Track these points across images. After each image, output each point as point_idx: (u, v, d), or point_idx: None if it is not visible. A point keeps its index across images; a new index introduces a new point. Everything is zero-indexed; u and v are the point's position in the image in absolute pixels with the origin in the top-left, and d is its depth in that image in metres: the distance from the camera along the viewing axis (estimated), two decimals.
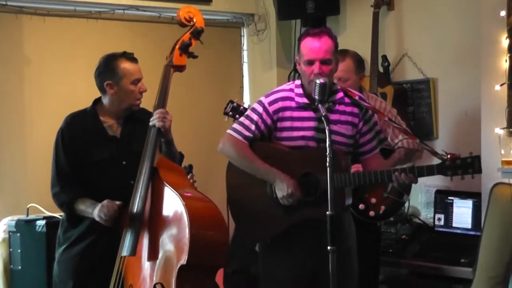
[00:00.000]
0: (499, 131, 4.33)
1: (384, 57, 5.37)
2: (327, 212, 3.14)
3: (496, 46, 4.37)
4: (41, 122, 5.04)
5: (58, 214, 4.40)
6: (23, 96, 5.08)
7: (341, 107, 3.64)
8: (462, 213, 4.82)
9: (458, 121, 5.09)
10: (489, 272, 4.13)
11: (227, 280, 4.98)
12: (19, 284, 4.71)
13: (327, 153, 3.17)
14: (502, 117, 4.33)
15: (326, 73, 3.51)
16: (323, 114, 3.31)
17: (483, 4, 4.49)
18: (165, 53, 3.85)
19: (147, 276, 3.49)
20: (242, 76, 6.16)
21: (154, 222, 3.50)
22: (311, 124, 3.60)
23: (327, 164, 3.17)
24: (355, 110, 3.66)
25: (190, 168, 4.53)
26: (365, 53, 5.25)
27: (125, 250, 3.49)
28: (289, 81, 5.23)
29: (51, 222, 4.52)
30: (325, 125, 3.24)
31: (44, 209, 4.70)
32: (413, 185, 3.87)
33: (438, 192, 4.96)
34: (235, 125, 3.71)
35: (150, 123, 3.62)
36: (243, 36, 6.15)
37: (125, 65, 3.68)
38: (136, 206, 3.51)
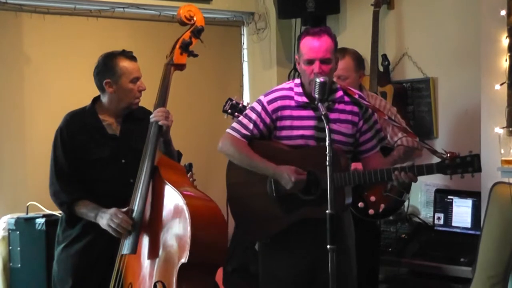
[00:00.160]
0: (499, 131, 4.33)
1: (384, 56, 5.37)
2: (327, 211, 3.14)
3: (496, 45, 4.37)
4: (40, 120, 5.04)
5: (58, 212, 4.39)
6: (23, 94, 5.08)
7: (341, 106, 3.64)
8: (461, 212, 4.82)
9: (458, 120, 5.09)
10: (488, 272, 4.13)
11: (227, 279, 4.98)
12: (18, 282, 4.71)
13: (327, 152, 3.17)
14: (502, 116, 4.33)
15: (326, 72, 3.51)
16: (323, 113, 3.30)
17: (483, 3, 4.49)
18: (165, 51, 3.84)
19: (146, 275, 3.49)
20: (242, 75, 6.16)
21: (155, 221, 3.50)
22: (311, 123, 3.60)
23: (327, 163, 3.17)
24: (355, 108, 3.66)
25: (189, 166, 4.53)
26: (365, 52, 5.25)
27: (125, 248, 3.49)
28: (289, 80, 5.23)
29: (51, 220, 4.52)
30: (325, 124, 3.24)
31: (43, 207, 4.70)
32: (412, 184, 3.87)
33: (437, 191, 4.97)
34: (234, 124, 3.71)
35: (151, 120, 3.61)
36: (243, 34, 6.15)
37: (124, 63, 3.68)
38: (136, 204, 3.51)
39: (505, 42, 4.34)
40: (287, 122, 3.63)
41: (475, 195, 4.68)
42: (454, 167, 3.35)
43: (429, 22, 5.26)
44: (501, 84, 4.33)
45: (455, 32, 5.09)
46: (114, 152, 3.70)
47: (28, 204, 4.77)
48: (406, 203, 5.03)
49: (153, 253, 3.48)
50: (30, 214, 4.73)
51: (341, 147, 3.58)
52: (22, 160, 5.07)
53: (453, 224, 4.84)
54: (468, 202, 4.79)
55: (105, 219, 3.50)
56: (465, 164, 3.33)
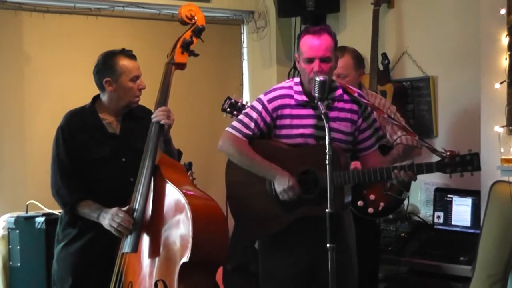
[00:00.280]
0: (499, 129, 4.33)
1: (384, 55, 5.37)
2: (326, 210, 3.14)
3: (496, 44, 4.37)
4: (40, 119, 5.04)
5: (57, 211, 4.40)
6: (23, 93, 5.08)
7: (340, 104, 3.64)
8: (461, 211, 4.82)
9: (458, 119, 5.09)
10: (488, 270, 4.13)
11: (227, 278, 4.98)
12: (18, 281, 4.71)
13: (326, 151, 3.17)
14: (501, 115, 4.33)
15: (325, 71, 3.51)
16: (323, 111, 3.30)
17: (483, 2, 4.49)
18: (165, 50, 3.85)
19: (147, 274, 3.49)
20: (242, 74, 6.16)
21: (156, 219, 3.51)
22: (310, 121, 3.60)
23: (327, 162, 3.17)
24: (354, 107, 3.66)
25: (189, 165, 4.54)
26: (365, 51, 5.25)
27: (126, 247, 3.49)
28: (288, 78, 5.23)
29: (51, 219, 4.51)
30: (325, 123, 3.24)
31: (43, 206, 4.70)
32: (412, 182, 3.87)
33: (437, 190, 4.96)
34: (234, 123, 3.71)
35: (153, 119, 3.62)
36: (243, 33, 6.15)
37: (124, 62, 3.68)
38: (137, 203, 3.51)
39: (505, 41, 4.34)
40: (287, 121, 3.63)
41: (475, 194, 4.68)
42: (454, 165, 3.35)
43: (429, 21, 5.26)
44: (501, 83, 4.33)
45: (455, 31, 5.09)
46: (114, 151, 3.70)
47: (27, 203, 4.77)
48: (405, 202, 5.04)
49: (154, 252, 3.48)
50: (30, 213, 4.73)
51: (340, 146, 3.58)
52: (22, 159, 5.07)
53: (453, 223, 4.84)
54: (468, 201, 4.79)
55: (107, 219, 3.50)
56: (465, 162, 3.33)
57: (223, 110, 4.49)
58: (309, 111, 3.61)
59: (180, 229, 3.40)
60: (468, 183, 3.94)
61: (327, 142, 3.18)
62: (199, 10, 3.84)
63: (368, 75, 5.20)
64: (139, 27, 5.53)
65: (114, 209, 3.50)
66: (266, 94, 3.69)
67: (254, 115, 3.65)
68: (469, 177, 3.41)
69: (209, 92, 5.76)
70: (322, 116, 3.30)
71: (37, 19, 5.10)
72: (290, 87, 3.66)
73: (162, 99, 3.68)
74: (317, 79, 3.40)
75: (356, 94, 3.67)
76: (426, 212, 5.16)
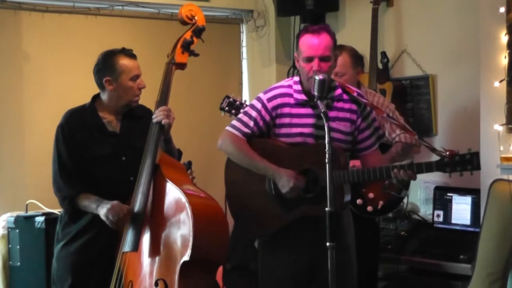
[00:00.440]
0: (498, 128, 4.32)
1: (383, 54, 5.37)
2: (326, 209, 3.14)
3: (495, 42, 4.37)
4: (40, 118, 5.04)
5: (57, 210, 4.40)
6: (22, 92, 5.08)
7: (340, 104, 3.64)
8: (461, 210, 4.82)
9: (457, 118, 5.09)
10: (488, 269, 4.13)
11: (226, 276, 4.98)
12: (18, 281, 4.71)
13: (326, 150, 3.17)
14: (501, 113, 4.33)
15: (325, 69, 3.50)
16: (322, 110, 3.30)
17: (482, 0, 4.48)
18: (165, 49, 3.85)
19: (147, 273, 3.49)
20: (241, 73, 6.16)
21: (156, 218, 3.51)
22: (310, 121, 3.59)
23: (326, 161, 3.17)
24: (354, 106, 3.66)
25: (189, 164, 4.54)
26: (364, 50, 5.25)
27: (127, 246, 3.50)
28: (288, 77, 5.23)
29: (50, 219, 4.52)
30: (324, 122, 3.24)
31: (43, 205, 4.70)
32: (412, 181, 3.87)
33: (437, 189, 4.97)
34: (234, 122, 3.70)
35: (154, 120, 3.62)
36: (242, 32, 6.16)
37: (124, 61, 3.68)
38: (138, 202, 3.52)
39: (504, 39, 4.34)
40: (286, 120, 3.63)
41: (474, 192, 4.68)
42: (453, 165, 3.35)
43: (428, 19, 5.26)
44: (500, 81, 4.33)
45: (454, 29, 5.09)
46: (114, 150, 3.70)
47: (27, 203, 4.77)
48: (405, 200, 5.04)
49: (154, 251, 3.49)
50: (30, 213, 4.73)
51: (340, 145, 3.58)
52: (21, 158, 5.07)
53: (453, 221, 4.84)
54: (468, 199, 4.79)
55: (105, 209, 3.51)
56: (464, 162, 3.33)
57: (222, 109, 4.49)
58: (308, 110, 3.61)
59: (180, 228, 3.40)
60: (467, 181, 3.93)
61: (326, 141, 3.18)
62: (199, 10, 3.85)
63: (367, 74, 5.20)
64: (138, 26, 5.53)
65: (115, 202, 3.51)
66: (265, 93, 3.69)
67: (254, 114, 3.65)
68: (469, 176, 3.41)
69: (208, 91, 5.76)
70: (322, 115, 3.29)
71: (36, 18, 5.10)
72: (290, 86, 3.66)
73: (163, 99, 3.69)
74: (317, 78, 3.41)
75: (355, 94, 3.67)
76: (425, 210, 5.16)
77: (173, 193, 3.48)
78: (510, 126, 4.30)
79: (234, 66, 6.12)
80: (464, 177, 3.40)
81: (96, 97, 3.79)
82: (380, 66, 5.33)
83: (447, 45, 5.13)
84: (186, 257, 3.35)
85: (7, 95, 5.03)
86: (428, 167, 3.40)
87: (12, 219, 4.71)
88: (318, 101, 3.38)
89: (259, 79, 6.08)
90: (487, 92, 4.42)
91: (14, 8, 5.02)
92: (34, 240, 4.59)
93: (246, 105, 4.41)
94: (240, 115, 3.73)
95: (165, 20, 5.52)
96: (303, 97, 3.61)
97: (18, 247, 4.68)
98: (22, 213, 4.75)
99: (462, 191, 4.82)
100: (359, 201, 4.13)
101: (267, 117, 3.63)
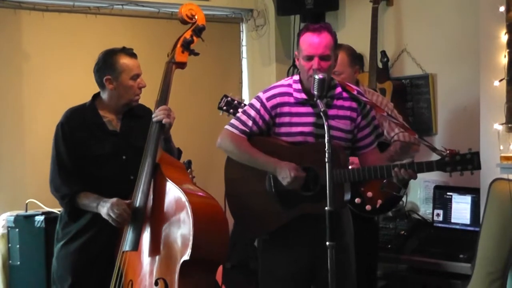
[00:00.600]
0: (498, 127, 4.33)
1: (383, 53, 5.37)
2: (326, 208, 3.14)
3: (495, 41, 4.37)
4: (39, 118, 5.04)
5: (57, 210, 4.40)
6: (22, 91, 5.08)
7: (339, 102, 3.64)
8: (461, 209, 4.82)
9: (457, 117, 5.09)
10: (487, 268, 4.13)
11: (226, 276, 4.98)
12: (18, 280, 4.71)
13: (326, 149, 3.17)
14: (501, 112, 4.33)
15: (324, 68, 3.50)
16: (322, 109, 3.30)
17: None
18: (164, 48, 3.85)
19: (147, 272, 3.49)
20: (241, 72, 6.16)
21: (156, 218, 3.51)
22: (310, 119, 3.59)
23: (326, 160, 3.17)
24: (353, 104, 3.66)
25: (189, 164, 4.54)
26: (364, 49, 5.26)
27: (127, 245, 3.49)
28: (288, 76, 5.23)
29: (50, 218, 4.52)
30: (324, 121, 3.24)
31: (43, 204, 4.70)
32: (411, 180, 3.87)
33: (437, 188, 4.97)
34: (233, 121, 3.71)
35: (154, 119, 3.62)
36: (242, 31, 6.16)
37: (124, 60, 3.68)
38: (138, 201, 3.52)
39: (504, 38, 4.34)
40: (286, 119, 3.62)
41: (474, 192, 4.68)
42: (454, 164, 3.35)
43: (428, 18, 5.26)
44: (500, 80, 4.33)
45: (454, 28, 5.09)
46: (114, 149, 3.70)
47: (27, 202, 4.77)
48: (405, 200, 5.04)
49: (154, 250, 3.49)
50: (29, 212, 4.73)
51: (340, 144, 3.58)
52: (21, 157, 5.07)
53: (452, 220, 4.84)
54: (467, 199, 4.79)
55: (106, 207, 3.50)
56: (465, 161, 3.34)
57: (220, 108, 4.50)
58: (308, 109, 3.60)
59: (180, 228, 3.40)
60: (467, 180, 3.94)
61: (326, 140, 3.18)
62: (199, 9, 3.85)
63: (367, 73, 5.20)
64: (138, 25, 5.53)
65: (115, 199, 3.50)
66: (265, 92, 3.69)
67: (253, 113, 3.65)
68: (469, 175, 3.41)
69: (208, 90, 5.76)
70: (321, 114, 3.30)
71: (36, 17, 5.10)
72: (290, 85, 3.66)
73: (163, 98, 3.69)
74: (316, 76, 3.40)
75: (355, 92, 3.67)
76: (425, 209, 5.16)
77: (173, 192, 3.48)
78: (510, 125, 4.30)
79: (234, 65, 6.12)
80: (464, 176, 3.41)
81: (96, 96, 3.79)
82: (380, 65, 5.33)
83: (447, 44, 5.13)
84: (186, 257, 3.35)
85: (7, 94, 5.03)
86: (429, 167, 3.40)
87: (12, 218, 4.71)
88: (318, 100, 3.38)
89: (259, 78, 6.07)
90: (487, 91, 4.42)
91: (14, 7, 5.02)
92: (34, 239, 4.59)
93: (245, 105, 4.42)
94: (239, 114, 3.73)
95: (165, 19, 5.52)
96: (303, 96, 3.61)
97: (18, 246, 4.68)
98: (22, 212, 4.75)
99: (461, 190, 4.82)
100: (357, 200, 4.14)
101: (266, 116, 3.63)
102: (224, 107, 4.48)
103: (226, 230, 3.58)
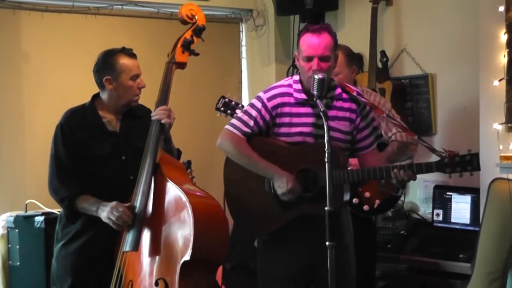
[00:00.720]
0: (498, 127, 4.33)
1: (383, 53, 5.37)
2: (326, 208, 3.14)
3: (494, 41, 4.37)
4: (39, 118, 5.04)
5: (57, 210, 4.40)
6: (21, 91, 5.08)
7: (339, 103, 3.64)
8: (460, 209, 4.82)
9: (456, 117, 5.09)
10: (487, 268, 4.13)
11: (226, 276, 4.98)
12: (17, 280, 4.71)
13: (325, 149, 3.17)
14: (500, 112, 4.33)
15: (324, 69, 3.50)
16: (322, 109, 3.30)
17: None
18: (164, 48, 3.85)
19: (147, 272, 3.49)
20: (241, 72, 6.16)
21: (156, 218, 3.51)
22: (309, 120, 3.59)
23: (326, 160, 3.17)
24: (353, 106, 3.66)
25: (188, 164, 4.53)
26: (364, 49, 5.26)
27: (127, 246, 3.49)
28: (287, 76, 5.23)
29: (50, 218, 4.51)
30: (324, 121, 3.24)
31: (42, 205, 4.70)
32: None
33: (436, 188, 4.97)
34: (234, 121, 3.70)
35: (153, 118, 3.63)
36: (242, 31, 6.15)
37: (124, 60, 3.68)
38: (138, 202, 3.52)
39: (503, 38, 4.34)
40: (286, 119, 3.62)
41: (474, 191, 4.68)
42: (453, 165, 3.35)
43: (428, 18, 5.26)
44: (500, 80, 4.33)
45: (454, 28, 5.09)
46: (114, 149, 3.70)
47: (27, 202, 4.76)
48: (405, 200, 5.04)
49: (154, 251, 3.49)
50: (29, 212, 4.72)
51: (339, 145, 3.58)
52: (21, 158, 5.07)
53: (452, 220, 4.85)
54: (467, 198, 4.79)
55: (106, 211, 3.50)
56: (464, 163, 3.34)
57: (217, 109, 4.50)
58: (308, 110, 3.60)
59: (181, 228, 3.40)
60: (467, 180, 3.93)
61: (326, 141, 3.18)
62: (199, 9, 3.85)
63: (367, 73, 5.20)
64: (138, 25, 5.53)
65: (114, 203, 3.51)
66: (265, 92, 3.68)
67: (254, 113, 3.65)
68: (468, 175, 3.41)
69: (208, 90, 5.76)
70: (321, 114, 3.30)
71: (36, 18, 5.10)
72: (290, 85, 3.66)
73: (163, 98, 3.69)
74: (316, 77, 3.41)
75: (355, 93, 3.67)
76: (425, 209, 5.16)
77: (173, 192, 3.48)
78: (509, 125, 4.30)
79: (234, 65, 6.12)
80: (464, 176, 3.41)
81: (96, 97, 3.79)
82: (379, 65, 5.33)
83: (446, 44, 5.13)
84: (186, 257, 3.35)
85: (6, 94, 5.03)
86: (428, 168, 3.40)
87: (12, 218, 4.71)
88: (318, 100, 3.38)
89: (259, 78, 6.07)
90: (487, 91, 4.42)
91: (14, 7, 5.02)
92: (34, 239, 4.59)
93: (242, 106, 4.42)
94: (240, 114, 3.73)
95: (165, 20, 5.52)
96: (303, 96, 3.61)
97: (17, 247, 4.67)
98: (21, 212, 4.75)
99: (461, 190, 4.82)
100: (355, 200, 4.13)
101: (267, 117, 3.63)
102: (222, 108, 4.49)
103: (226, 230, 3.58)
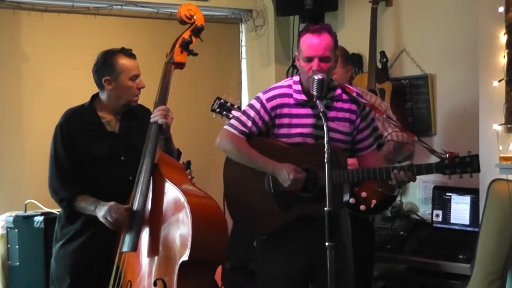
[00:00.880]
0: (497, 127, 4.32)
1: (382, 53, 5.37)
2: (325, 208, 3.14)
3: (494, 42, 4.37)
4: (39, 118, 5.04)
5: (56, 210, 4.39)
6: (21, 92, 5.08)
7: (339, 104, 3.64)
8: (460, 209, 4.82)
9: (456, 117, 5.09)
10: (486, 268, 4.13)
11: (225, 276, 4.98)
12: (17, 280, 4.71)
13: (325, 150, 3.17)
14: (500, 113, 4.33)
15: (324, 70, 3.49)
16: (321, 110, 3.30)
17: (481, 0, 4.48)
18: (163, 49, 3.85)
19: (146, 272, 3.49)
20: (240, 72, 6.16)
21: (155, 218, 3.51)
22: (309, 121, 3.59)
23: (325, 160, 3.17)
24: (353, 107, 3.66)
25: (188, 164, 4.54)
26: (363, 49, 5.27)
27: (126, 246, 3.49)
28: (287, 77, 5.23)
29: (49, 218, 4.52)
30: (323, 122, 3.24)
31: (42, 205, 4.70)
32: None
33: (436, 188, 4.96)
34: (232, 121, 3.70)
35: (152, 120, 3.62)
36: (242, 32, 6.16)
37: (123, 61, 3.68)
38: (137, 202, 3.52)
39: (503, 38, 4.34)
40: (286, 120, 3.62)
41: (473, 192, 4.68)
42: (453, 167, 3.35)
43: (427, 19, 5.26)
44: (499, 81, 4.33)
45: (453, 28, 5.09)
46: (113, 150, 3.70)
47: (26, 202, 4.77)
48: (404, 200, 5.04)
49: (153, 251, 3.49)
50: (29, 212, 4.73)
51: (339, 146, 3.58)
52: (20, 158, 5.07)
53: (452, 221, 4.84)
54: (467, 199, 4.79)
55: (103, 211, 3.51)
56: (464, 164, 3.33)
57: (213, 110, 4.51)
58: (308, 111, 3.60)
59: (179, 228, 3.40)
60: (466, 181, 3.91)
61: (325, 141, 3.18)
62: (198, 9, 3.86)
63: (366, 73, 5.20)
64: (137, 26, 5.53)
65: (112, 203, 3.51)
66: (265, 92, 3.68)
67: (252, 113, 3.65)
68: (468, 176, 3.41)
69: (207, 90, 5.75)
70: (321, 114, 3.29)
71: (35, 18, 5.10)
72: (289, 86, 3.66)
73: (162, 99, 3.70)
74: (315, 77, 3.40)
75: (354, 94, 3.67)
76: (424, 210, 5.16)
77: (172, 192, 3.48)
78: (509, 125, 4.30)
79: (233, 66, 6.12)
80: (463, 177, 3.40)
81: (95, 97, 3.79)
82: (379, 65, 5.33)
83: (446, 45, 5.13)
84: (185, 257, 3.35)
85: (5, 94, 5.03)
86: (428, 169, 3.40)
87: (11, 218, 4.71)
88: (317, 101, 3.38)
89: (258, 79, 6.08)
90: (486, 91, 4.42)
91: (13, 7, 5.02)
92: (33, 239, 4.59)
93: (238, 107, 4.42)
94: (239, 114, 3.73)
95: (164, 20, 5.52)
96: (303, 97, 3.61)
97: (17, 247, 4.68)
98: (21, 212, 4.75)
99: (461, 191, 4.81)
100: (352, 200, 4.14)
101: (266, 117, 3.63)
102: (217, 109, 4.49)
103: (225, 230, 3.58)
